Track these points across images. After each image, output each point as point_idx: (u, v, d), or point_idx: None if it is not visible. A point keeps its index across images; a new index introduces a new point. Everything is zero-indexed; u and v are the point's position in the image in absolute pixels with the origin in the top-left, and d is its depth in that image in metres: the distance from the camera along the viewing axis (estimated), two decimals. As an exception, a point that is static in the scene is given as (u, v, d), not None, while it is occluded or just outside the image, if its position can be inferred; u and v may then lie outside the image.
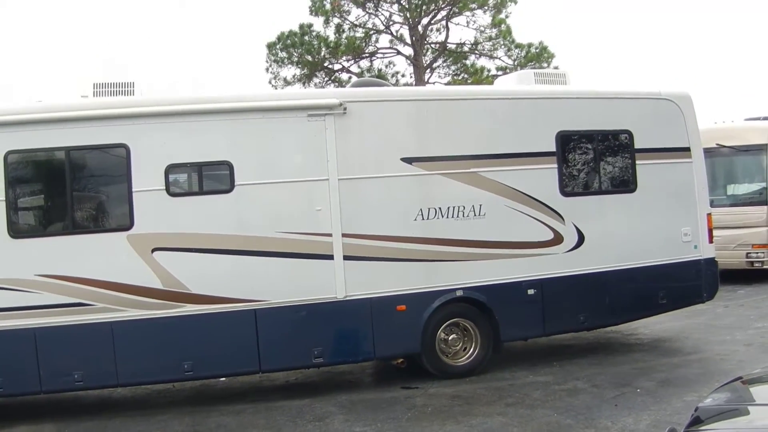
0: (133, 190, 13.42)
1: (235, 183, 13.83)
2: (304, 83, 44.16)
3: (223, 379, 15.80)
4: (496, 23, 43.82)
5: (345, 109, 14.31)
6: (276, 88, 42.80)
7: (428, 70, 45.12)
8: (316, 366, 14.92)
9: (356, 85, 18.79)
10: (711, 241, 16.94)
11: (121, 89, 14.39)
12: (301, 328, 14.13)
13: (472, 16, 44.05)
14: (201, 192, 13.97)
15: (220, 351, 13.82)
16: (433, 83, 44.47)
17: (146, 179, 13.47)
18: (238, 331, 13.86)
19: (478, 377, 15.07)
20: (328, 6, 43.04)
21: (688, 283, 16.91)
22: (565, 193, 15.68)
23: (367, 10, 44.04)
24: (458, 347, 15.29)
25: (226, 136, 13.96)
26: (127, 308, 13.35)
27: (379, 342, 14.52)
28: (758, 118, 28.20)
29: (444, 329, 15.08)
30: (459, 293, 14.93)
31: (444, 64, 46.27)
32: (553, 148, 15.64)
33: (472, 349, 15.33)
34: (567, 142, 15.87)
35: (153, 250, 13.49)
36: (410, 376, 15.29)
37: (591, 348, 17.34)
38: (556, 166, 15.64)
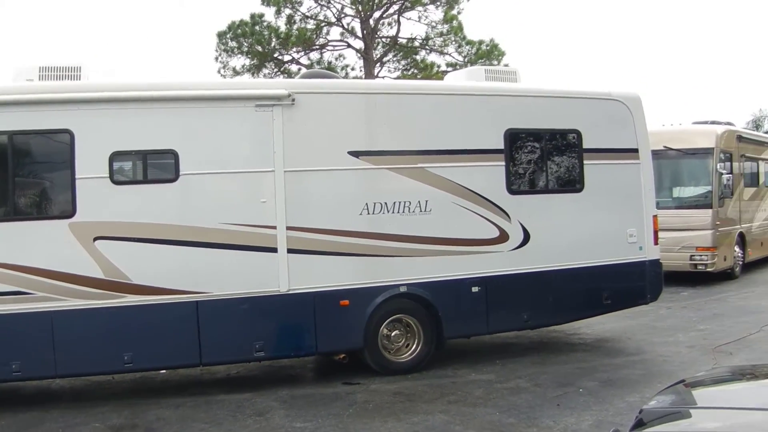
0: (77, 177, 13.15)
1: (180, 172, 13.61)
2: (253, 73, 44.14)
3: (164, 371, 15.59)
4: (447, 19, 44.12)
5: (293, 100, 14.17)
6: (225, 78, 42.71)
7: (378, 64, 45.26)
8: (257, 360, 14.86)
9: (305, 76, 18.68)
10: (656, 243, 17.10)
11: (67, 74, 14.10)
12: (243, 321, 13.96)
13: (424, 11, 44.50)
14: (145, 180, 13.76)
15: (161, 343, 13.60)
16: (383, 77, 44.66)
17: (90, 166, 13.20)
18: (180, 323, 13.67)
19: (420, 374, 15.02)
20: (280, -4, 42.82)
21: (632, 284, 17.04)
22: (511, 191, 15.67)
23: (319, 1, 44.19)
24: (401, 343, 15.24)
25: (173, 124, 13.77)
26: (67, 297, 13.09)
27: (321, 337, 14.40)
28: (706, 122, 28.79)
29: (387, 325, 15.02)
30: (403, 289, 14.87)
31: (394, 59, 46.47)
32: (501, 146, 15.63)
33: (414, 346, 15.28)
34: (515, 139, 15.86)
35: (95, 239, 13.22)
36: (352, 371, 15.20)
37: (534, 347, 17.36)
38: (503, 163, 15.64)
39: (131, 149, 13.65)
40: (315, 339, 14.42)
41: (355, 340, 14.70)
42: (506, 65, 41.04)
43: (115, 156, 13.41)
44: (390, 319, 15.03)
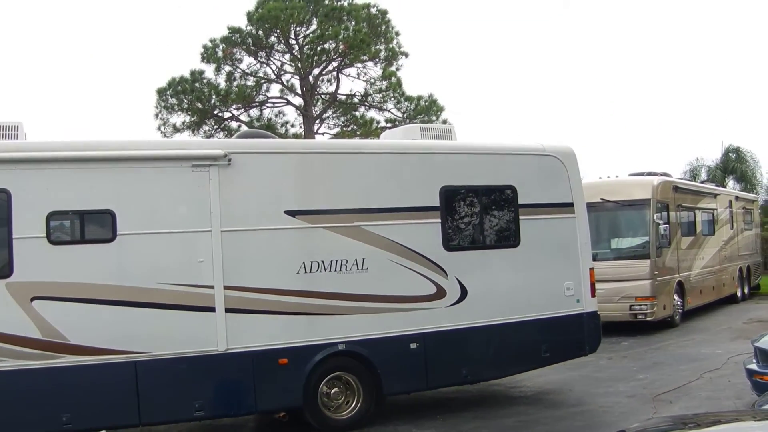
0: (13, 236, 13.03)
1: (117, 232, 13.56)
2: (193, 131, 44.14)
3: (103, 431, 15.46)
4: (386, 75, 44.51)
5: (230, 160, 14.22)
6: (165, 135, 42.91)
7: (318, 121, 45.43)
8: (197, 419, 14.72)
9: (242, 136, 18.65)
10: (593, 295, 17.25)
11: (5, 132, 14.03)
12: (181, 380, 13.86)
13: (363, 68, 44.81)
14: (83, 241, 13.66)
15: (100, 403, 13.45)
16: (322, 134, 45.08)
17: (27, 226, 13.10)
18: (118, 383, 13.51)
19: (361, 431, 14.98)
20: (219, 53, 43.09)
21: (570, 337, 17.16)
22: (448, 247, 15.79)
23: (258, 58, 44.38)
24: (341, 401, 15.15)
25: (110, 184, 13.71)
26: (4, 358, 12.91)
27: (260, 395, 14.32)
28: (642, 173, 28.96)
29: (326, 383, 14.94)
30: (341, 347, 14.84)
31: (333, 115, 46.68)
32: (437, 203, 15.76)
33: (354, 403, 15.19)
34: (451, 196, 16.00)
35: (32, 299, 13.09)
36: (292, 429, 15.15)
37: (475, 401, 17.36)
38: (439, 220, 15.76)
39: (68, 209, 13.60)
40: (254, 398, 14.34)
41: (295, 399, 14.62)
42: (445, 120, 41.52)
43: (53, 216, 13.34)
44: (329, 376, 14.96)
